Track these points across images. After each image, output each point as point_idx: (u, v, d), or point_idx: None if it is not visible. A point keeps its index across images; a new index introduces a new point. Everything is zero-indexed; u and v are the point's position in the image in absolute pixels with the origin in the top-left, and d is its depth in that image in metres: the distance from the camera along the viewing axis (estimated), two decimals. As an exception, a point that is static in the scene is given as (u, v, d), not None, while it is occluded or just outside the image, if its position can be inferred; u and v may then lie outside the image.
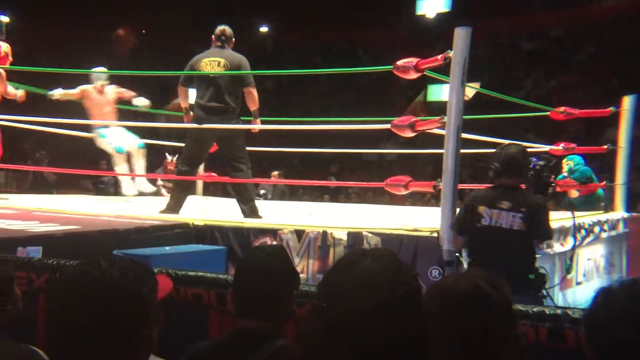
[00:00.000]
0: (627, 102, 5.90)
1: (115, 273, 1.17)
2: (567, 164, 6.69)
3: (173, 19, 19.01)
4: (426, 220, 4.35)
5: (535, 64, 16.17)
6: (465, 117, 3.43)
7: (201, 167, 6.14)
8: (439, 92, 14.84)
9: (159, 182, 7.49)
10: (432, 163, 11.16)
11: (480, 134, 5.20)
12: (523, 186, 3.54)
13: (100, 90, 6.26)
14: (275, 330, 1.69)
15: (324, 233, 3.81)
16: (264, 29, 21.32)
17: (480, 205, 3.41)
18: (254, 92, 4.85)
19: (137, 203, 5.96)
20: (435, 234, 3.48)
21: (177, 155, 6.54)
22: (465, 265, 3.46)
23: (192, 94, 5.08)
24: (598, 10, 16.20)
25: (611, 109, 5.95)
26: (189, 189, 5.37)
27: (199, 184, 6.89)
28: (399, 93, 17.22)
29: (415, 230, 3.75)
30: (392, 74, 3.89)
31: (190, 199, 5.50)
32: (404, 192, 3.99)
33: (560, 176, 6.38)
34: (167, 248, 3.65)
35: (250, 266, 1.78)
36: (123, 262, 1.22)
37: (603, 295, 1.31)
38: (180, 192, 5.02)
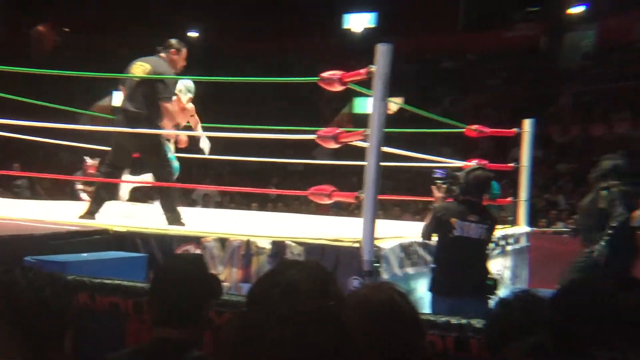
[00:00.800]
0: (526, 124, 6.29)
1: (23, 284, 1.15)
2: None
3: (99, 19, 18.41)
4: (349, 230, 4.45)
5: (453, 82, 16.90)
6: (386, 130, 3.57)
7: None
8: (364, 105, 15.18)
9: (79, 186, 7.22)
10: (356, 174, 11.43)
11: (402, 148, 5.38)
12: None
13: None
14: (192, 339, 1.69)
15: (248, 242, 3.83)
16: (193, 34, 21.01)
17: (452, 218, 3.96)
18: (168, 106, 4.79)
19: (55, 207, 5.72)
20: (356, 244, 3.55)
21: (99, 159, 6.34)
22: (384, 276, 3.60)
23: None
24: (510, 37, 17.24)
25: (515, 130, 6.31)
26: (112, 193, 5.23)
27: (125, 189, 6.71)
28: (327, 104, 17.47)
29: (337, 240, 3.82)
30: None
31: (115, 205, 5.36)
32: (327, 201, 4.08)
33: (494, 192, 6.72)
34: (85, 255, 3.54)
35: (167, 274, 1.77)
36: (38, 274, 1.19)
37: (500, 306, 1.42)
38: (101, 197, 4.89)
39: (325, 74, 3.84)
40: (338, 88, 3.88)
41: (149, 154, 4.93)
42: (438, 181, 4.34)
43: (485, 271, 4.01)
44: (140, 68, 4.79)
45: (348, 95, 16.40)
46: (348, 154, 5.41)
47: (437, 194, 4.28)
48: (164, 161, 4.89)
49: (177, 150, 5.67)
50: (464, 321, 2.17)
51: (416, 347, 1.33)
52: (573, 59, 16.50)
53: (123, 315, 2.45)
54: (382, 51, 3.53)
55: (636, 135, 12.88)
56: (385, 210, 10.46)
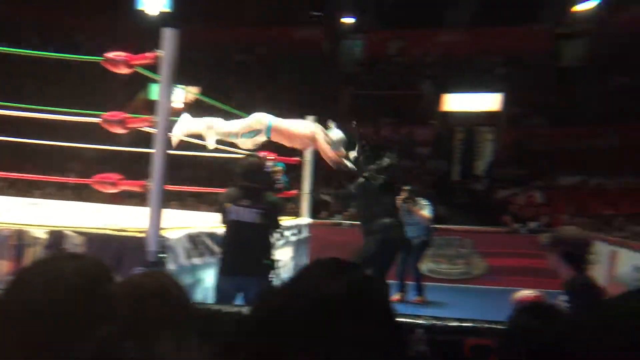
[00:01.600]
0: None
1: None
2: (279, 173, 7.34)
3: None
4: (139, 220, 4.33)
5: (246, 75, 17.28)
6: (176, 119, 3.56)
7: None
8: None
9: None
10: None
11: (198, 138, 5.32)
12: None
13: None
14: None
15: (20, 231, 3.53)
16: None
17: (227, 203, 4.15)
18: None
19: None
20: (142, 234, 3.48)
21: None
22: (171, 266, 3.61)
23: None
24: (298, 37, 18.21)
25: None
26: None
27: None
28: (121, 88, 16.56)
29: (122, 230, 3.72)
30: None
31: None
32: (113, 190, 3.93)
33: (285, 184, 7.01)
34: None
35: None
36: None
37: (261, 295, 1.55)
38: None
39: (110, 54, 3.63)
40: (124, 70, 3.69)
41: None
42: None
43: (263, 253, 4.21)
44: None
45: (144, 81, 15.78)
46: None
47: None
48: None
49: None
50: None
51: (186, 331, 1.34)
52: (349, 65, 18.02)
53: None
54: (168, 36, 3.44)
55: (398, 139, 14.57)
56: (182, 200, 10.33)
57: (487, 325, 2.61)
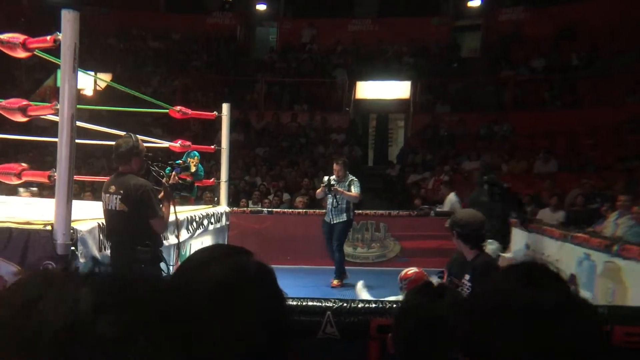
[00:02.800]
0: (224, 108, 6.64)
1: None
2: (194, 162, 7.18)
3: None
4: (49, 212, 4.13)
5: (161, 62, 16.80)
6: (82, 107, 3.42)
7: None
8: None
9: None
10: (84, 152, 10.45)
11: (114, 127, 5.10)
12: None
13: None
14: None
15: None
16: None
17: (102, 192, 3.91)
18: None
19: None
20: (49, 227, 3.36)
21: None
22: (82, 259, 3.49)
23: None
24: (212, 24, 17.91)
25: (215, 113, 6.64)
26: None
27: None
28: (26, 74, 15.56)
29: (28, 223, 3.55)
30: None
31: None
32: (16, 181, 3.74)
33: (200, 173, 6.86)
34: None
35: None
36: None
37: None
38: None
39: (4, 36, 3.38)
40: (22, 54, 3.44)
41: None
42: None
43: (134, 241, 3.81)
44: None
45: (51, 66, 14.89)
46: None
47: None
48: None
49: None
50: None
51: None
52: (263, 52, 17.97)
53: None
54: (67, 18, 3.22)
55: (313, 125, 14.74)
56: (96, 191, 9.90)
57: (389, 305, 2.74)
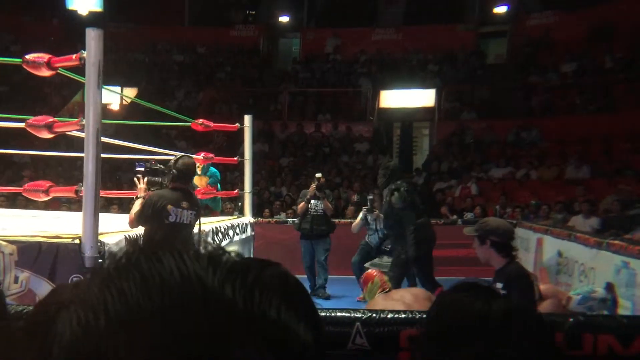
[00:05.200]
0: (247, 120, 6.65)
1: None
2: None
3: None
4: (76, 225, 4.18)
5: (186, 76, 16.99)
6: (108, 121, 3.47)
7: None
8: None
9: None
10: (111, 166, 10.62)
11: (142, 142, 5.17)
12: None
13: None
14: None
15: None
16: None
17: (169, 205, 4.10)
18: None
19: None
20: (77, 241, 3.38)
21: None
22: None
23: None
24: (235, 36, 18.09)
25: (237, 125, 6.65)
26: None
27: None
28: (53, 91, 15.88)
29: (56, 237, 3.59)
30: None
31: None
32: (44, 198, 3.79)
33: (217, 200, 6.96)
34: None
35: None
36: None
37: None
38: None
39: (30, 56, 3.46)
40: (46, 73, 3.54)
41: None
42: (139, 174, 4.37)
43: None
44: None
45: (78, 84, 15.14)
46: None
47: (139, 185, 4.32)
48: None
49: None
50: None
51: None
52: (286, 63, 18.05)
53: None
54: (92, 36, 3.27)
55: (337, 135, 14.70)
56: (124, 204, 10.02)
57: (419, 315, 2.67)
